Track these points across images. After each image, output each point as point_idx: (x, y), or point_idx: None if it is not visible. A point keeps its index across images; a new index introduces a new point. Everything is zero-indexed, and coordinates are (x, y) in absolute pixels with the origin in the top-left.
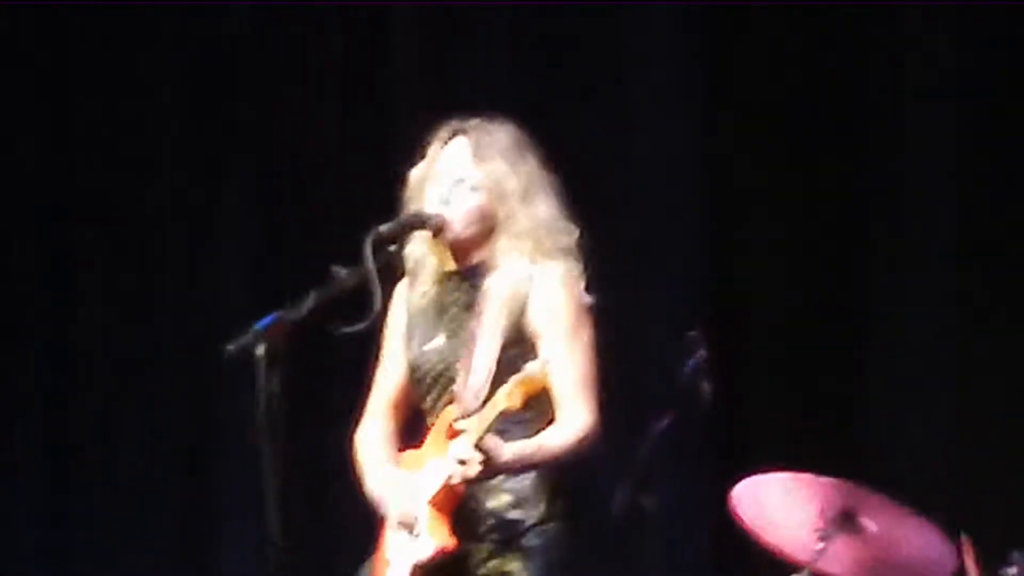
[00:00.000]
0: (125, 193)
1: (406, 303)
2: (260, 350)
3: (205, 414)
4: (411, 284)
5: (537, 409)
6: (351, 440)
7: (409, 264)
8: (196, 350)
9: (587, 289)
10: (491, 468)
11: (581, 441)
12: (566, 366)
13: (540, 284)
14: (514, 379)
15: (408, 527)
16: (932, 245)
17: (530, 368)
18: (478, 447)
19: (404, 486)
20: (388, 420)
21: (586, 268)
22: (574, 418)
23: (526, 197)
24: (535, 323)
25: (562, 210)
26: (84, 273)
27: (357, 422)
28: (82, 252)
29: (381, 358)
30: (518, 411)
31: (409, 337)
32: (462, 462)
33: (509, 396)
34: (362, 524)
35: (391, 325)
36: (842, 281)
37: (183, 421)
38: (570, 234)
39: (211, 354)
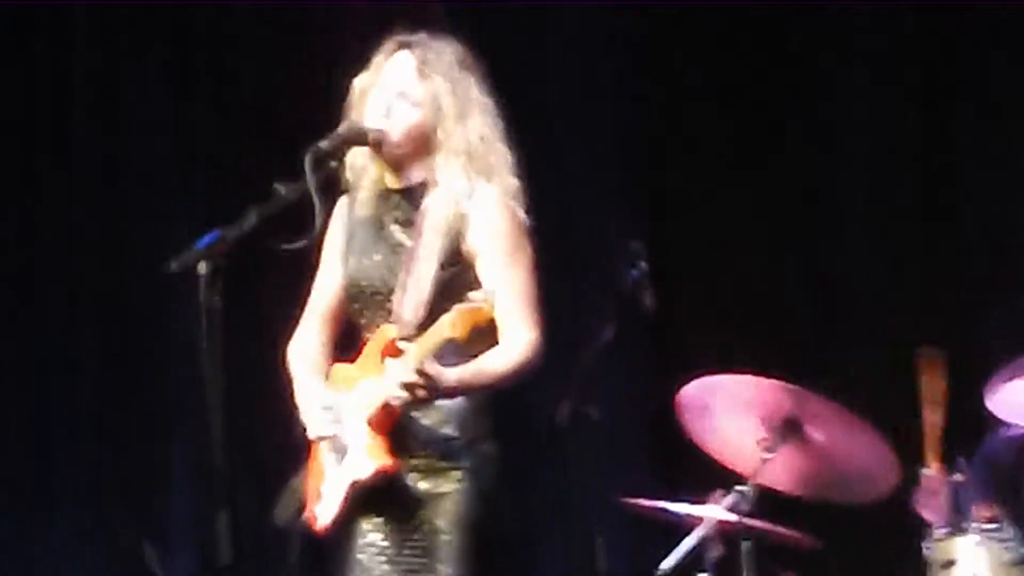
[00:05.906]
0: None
1: (346, 216)
2: (202, 267)
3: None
4: (352, 197)
5: (478, 337)
6: (285, 350)
7: (350, 176)
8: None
9: (526, 209)
10: (432, 393)
11: (523, 362)
12: (506, 287)
13: (478, 204)
14: (458, 308)
15: (339, 451)
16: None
17: (476, 298)
18: (418, 371)
19: (336, 406)
20: (322, 331)
21: (523, 185)
22: (516, 339)
23: (462, 116)
24: (474, 243)
25: (498, 130)
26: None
27: (292, 333)
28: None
29: (319, 270)
30: (462, 341)
31: (347, 251)
32: (404, 385)
33: (453, 326)
34: (303, 437)
35: (330, 237)
36: (782, 189)
37: (130, 340)
38: (505, 153)
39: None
